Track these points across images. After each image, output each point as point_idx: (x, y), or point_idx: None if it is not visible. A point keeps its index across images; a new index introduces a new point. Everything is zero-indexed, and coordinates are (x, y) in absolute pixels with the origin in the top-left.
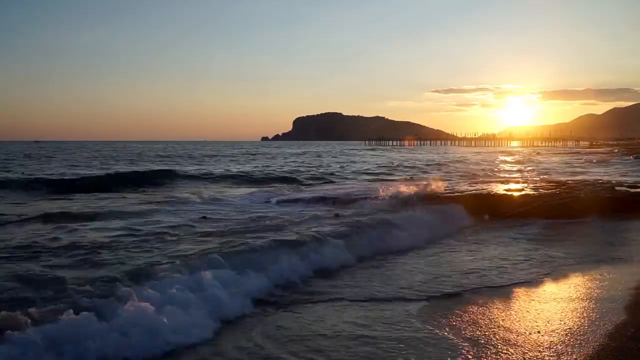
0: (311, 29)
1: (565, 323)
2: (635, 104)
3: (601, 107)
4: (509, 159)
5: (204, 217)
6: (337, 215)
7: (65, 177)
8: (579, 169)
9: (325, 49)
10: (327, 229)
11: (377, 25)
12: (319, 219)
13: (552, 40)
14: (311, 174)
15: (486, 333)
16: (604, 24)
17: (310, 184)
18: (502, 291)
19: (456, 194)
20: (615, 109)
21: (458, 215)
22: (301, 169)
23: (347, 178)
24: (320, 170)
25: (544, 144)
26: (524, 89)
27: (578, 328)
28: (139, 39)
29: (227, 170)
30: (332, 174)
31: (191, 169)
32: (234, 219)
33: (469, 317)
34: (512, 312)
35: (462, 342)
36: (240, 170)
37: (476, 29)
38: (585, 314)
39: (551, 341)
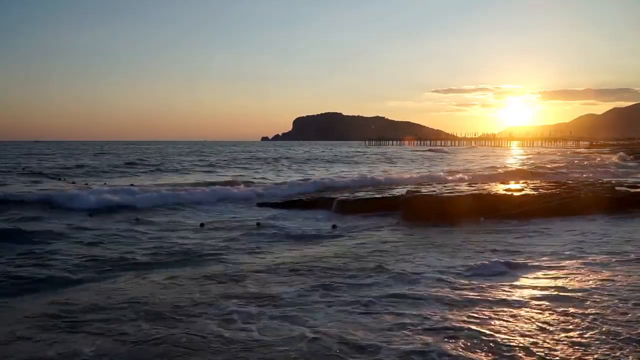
0: (311, 29)
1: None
2: (635, 104)
3: (601, 107)
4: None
5: None
6: None
7: None
8: None
9: (325, 49)
10: None
11: (377, 25)
12: None
13: (552, 40)
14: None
15: None
16: (604, 24)
17: None
18: None
19: None
20: (615, 109)
21: None
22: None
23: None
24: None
25: (544, 144)
26: (524, 89)
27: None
28: (139, 39)
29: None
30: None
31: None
32: None
33: None
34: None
35: None
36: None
37: (476, 29)
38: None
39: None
